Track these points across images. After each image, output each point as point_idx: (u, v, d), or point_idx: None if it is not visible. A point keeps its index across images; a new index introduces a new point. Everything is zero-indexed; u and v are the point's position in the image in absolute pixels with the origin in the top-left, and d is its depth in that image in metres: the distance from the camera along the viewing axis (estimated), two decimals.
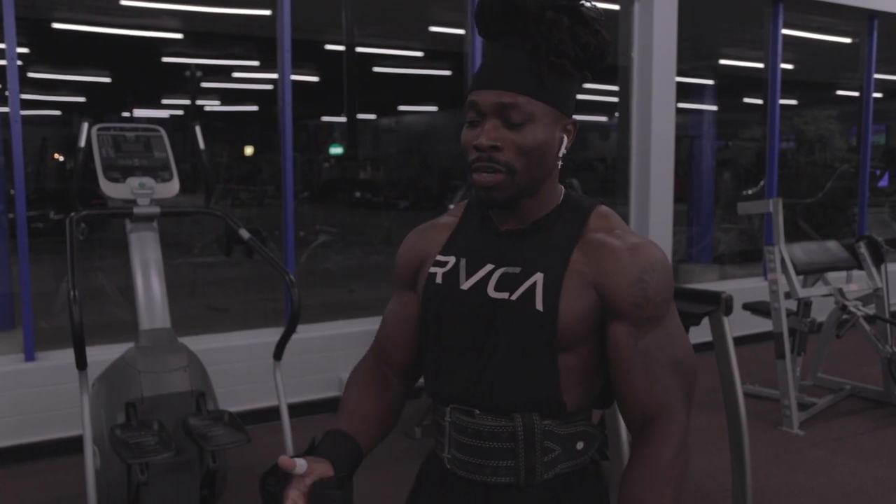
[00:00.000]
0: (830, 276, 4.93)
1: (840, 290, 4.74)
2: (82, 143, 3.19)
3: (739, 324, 4.12)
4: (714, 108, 8.93)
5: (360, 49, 7.31)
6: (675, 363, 1.21)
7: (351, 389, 1.37)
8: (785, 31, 6.80)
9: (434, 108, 10.85)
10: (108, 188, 3.19)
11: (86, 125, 3.22)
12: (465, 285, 1.25)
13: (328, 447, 1.22)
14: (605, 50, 1.20)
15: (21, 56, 4.09)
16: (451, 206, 1.42)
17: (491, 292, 1.22)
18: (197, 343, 3.59)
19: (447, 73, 8.33)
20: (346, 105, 7.91)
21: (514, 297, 1.20)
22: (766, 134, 6.89)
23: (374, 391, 1.36)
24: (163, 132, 3.41)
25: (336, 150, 9.50)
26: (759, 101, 7.20)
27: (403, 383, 1.39)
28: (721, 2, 7.06)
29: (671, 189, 6.09)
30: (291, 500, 1.12)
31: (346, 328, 5.00)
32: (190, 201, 4.26)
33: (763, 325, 5.05)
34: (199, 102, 7.73)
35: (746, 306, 4.95)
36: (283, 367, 3.20)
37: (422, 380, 1.37)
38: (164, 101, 8.08)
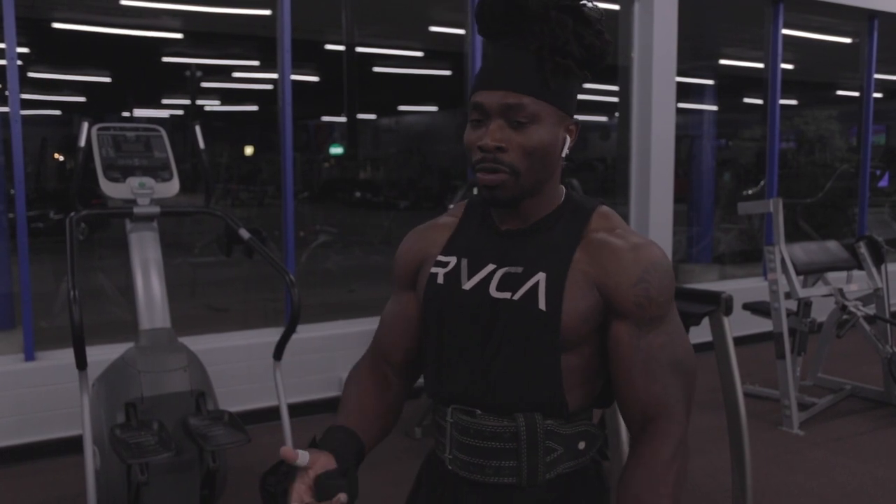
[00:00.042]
0: (830, 276, 4.93)
1: (840, 291, 4.74)
2: (82, 143, 3.19)
3: (739, 324, 4.11)
4: (714, 108, 8.92)
5: (360, 49, 7.31)
6: (675, 363, 1.21)
7: (351, 388, 1.36)
8: (785, 31, 6.80)
9: (434, 108, 10.83)
10: (108, 188, 3.18)
11: (86, 125, 3.22)
12: (467, 285, 1.25)
13: (330, 441, 1.21)
14: (606, 50, 1.21)
15: (21, 56, 4.09)
16: (451, 206, 1.42)
17: (493, 292, 1.22)
18: (197, 343, 3.58)
19: (447, 73, 8.32)
20: (346, 105, 7.91)
21: (516, 297, 1.20)
22: (766, 134, 6.89)
23: (374, 390, 1.35)
24: (163, 132, 3.41)
25: (336, 150, 9.48)
26: (760, 101, 7.20)
27: (403, 383, 1.39)
28: (721, 2, 7.06)
29: (671, 189, 6.09)
30: (297, 493, 1.11)
31: (346, 328, 5.00)
32: (190, 201, 4.27)
33: (763, 325, 5.05)
34: (199, 102, 7.72)
35: (746, 306, 4.95)
36: (283, 367, 3.20)
37: (422, 380, 1.36)
38: (165, 101, 8.07)
